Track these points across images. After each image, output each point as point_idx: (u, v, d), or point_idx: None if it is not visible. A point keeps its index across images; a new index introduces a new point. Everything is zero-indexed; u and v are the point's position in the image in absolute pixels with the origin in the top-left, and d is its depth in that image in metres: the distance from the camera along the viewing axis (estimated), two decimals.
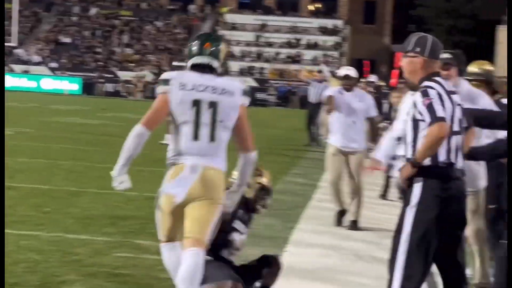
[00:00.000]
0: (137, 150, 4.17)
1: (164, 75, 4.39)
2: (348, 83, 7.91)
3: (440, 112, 3.90)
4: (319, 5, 57.28)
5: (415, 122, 3.97)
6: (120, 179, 4.15)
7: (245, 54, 50.77)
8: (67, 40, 51.98)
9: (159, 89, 4.31)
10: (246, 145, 4.33)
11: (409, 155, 4.12)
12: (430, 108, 3.87)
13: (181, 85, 4.14)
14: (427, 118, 3.83)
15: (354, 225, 7.58)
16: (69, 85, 44.86)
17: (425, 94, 3.91)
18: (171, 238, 4.28)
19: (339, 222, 7.78)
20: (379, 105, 10.45)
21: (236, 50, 50.92)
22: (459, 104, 4.14)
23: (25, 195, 8.86)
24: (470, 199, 4.97)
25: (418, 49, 4.04)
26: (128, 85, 43.18)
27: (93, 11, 53.31)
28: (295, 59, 48.42)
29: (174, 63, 17.61)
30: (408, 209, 4.09)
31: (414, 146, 4.05)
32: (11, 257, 5.14)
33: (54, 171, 11.35)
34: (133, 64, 46.96)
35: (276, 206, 7.26)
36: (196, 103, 4.17)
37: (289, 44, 50.78)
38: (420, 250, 3.94)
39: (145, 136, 4.21)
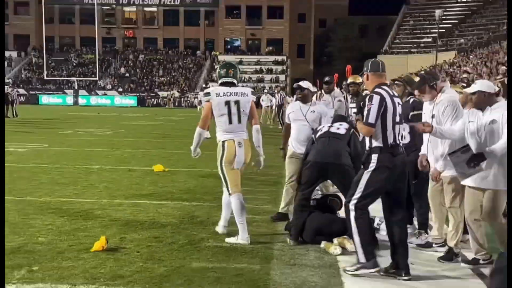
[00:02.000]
0: (201, 140, 5.83)
1: (206, 91, 5.91)
2: (300, 94, 6.81)
3: (371, 119, 4.63)
4: (271, 48, 70.31)
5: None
6: (196, 153, 5.88)
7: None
8: (126, 74, 65.39)
9: (205, 99, 5.77)
10: (255, 121, 5.90)
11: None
12: (368, 112, 4.63)
13: (217, 94, 5.61)
14: (364, 118, 4.64)
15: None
16: (130, 101, 57.17)
17: (370, 100, 4.63)
18: (239, 189, 5.66)
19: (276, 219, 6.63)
20: None
21: None
22: (399, 103, 4.83)
23: (181, 176, 9.97)
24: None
25: (364, 69, 4.84)
26: (164, 99, 54.89)
27: (141, 57, 68.16)
28: (260, 80, 61.02)
29: (204, 86, 25.34)
30: (365, 172, 4.76)
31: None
32: None
33: (171, 156, 12.92)
34: (167, 87, 59.87)
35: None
36: (227, 103, 5.62)
37: (256, 71, 63.50)
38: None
39: (204, 133, 5.84)
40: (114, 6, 71.79)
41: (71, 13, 73.67)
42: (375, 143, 4.70)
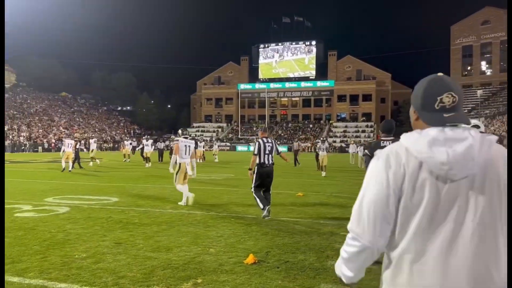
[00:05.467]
0: (173, 162, 10.12)
1: (178, 139, 10.03)
2: None
3: (256, 151, 7.61)
4: (364, 118, 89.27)
5: None
6: (173, 170, 10.10)
7: (341, 135, 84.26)
8: (282, 134, 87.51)
9: (177, 141, 9.76)
10: (192, 157, 10.31)
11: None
12: (254, 148, 7.94)
13: (181, 141, 10.16)
14: (253, 151, 8.06)
15: None
16: (283, 149, 67.51)
17: (255, 143, 8.11)
18: (182, 183, 9.31)
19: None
20: None
21: (338, 133, 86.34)
22: (269, 145, 7.83)
23: (310, 197, 11.34)
24: None
25: (259, 129, 7.89)
26: (301, 146, 75.38)
27: (290, 125, 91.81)
28: (356, 137, 77.95)
29: (322, 139, 30.17)
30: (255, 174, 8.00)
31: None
32: None
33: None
34: (297, 139, 71.77)
35: None
36: (185, 146, 10.20)
37: (355, 131, 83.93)
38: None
39: (176, 157, 10.19)
40: (276, 97, 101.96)
41: (253, 103, 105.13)
42: (256, 162, 8.02)
